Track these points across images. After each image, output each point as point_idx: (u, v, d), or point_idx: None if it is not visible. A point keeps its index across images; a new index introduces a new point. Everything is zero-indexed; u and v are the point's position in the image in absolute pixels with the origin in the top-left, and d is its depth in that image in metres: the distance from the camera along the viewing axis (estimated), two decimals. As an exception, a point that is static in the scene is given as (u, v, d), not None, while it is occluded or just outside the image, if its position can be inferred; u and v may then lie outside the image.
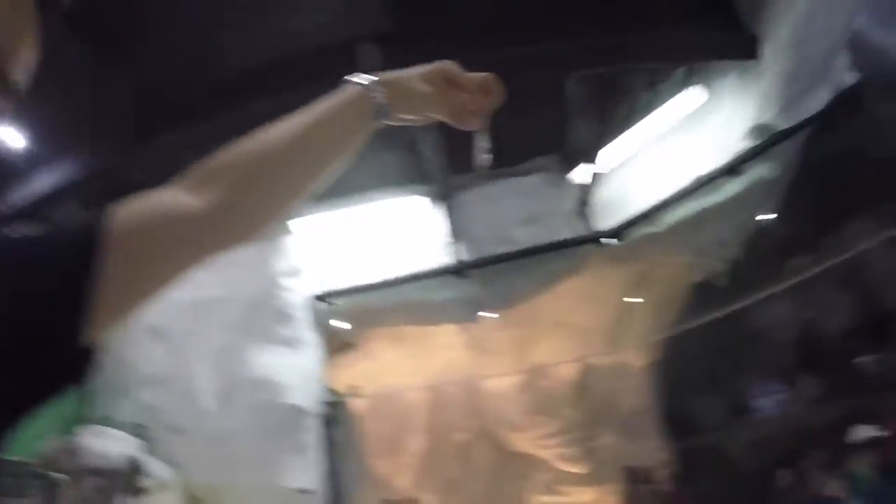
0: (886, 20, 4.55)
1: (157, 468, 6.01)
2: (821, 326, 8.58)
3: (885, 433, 6.37)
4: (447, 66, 1.07)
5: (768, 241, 7.40)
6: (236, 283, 7.80)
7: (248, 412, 7.05)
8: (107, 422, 6.04)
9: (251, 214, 0.94)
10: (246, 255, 8.03)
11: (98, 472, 5.12)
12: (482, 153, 1.15)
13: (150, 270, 0.86)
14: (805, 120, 6.05)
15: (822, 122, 5.83)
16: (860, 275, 7.73)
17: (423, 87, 1.05)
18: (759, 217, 7.08)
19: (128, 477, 5.38)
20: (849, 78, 5.29)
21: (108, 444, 5.47)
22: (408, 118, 1.06)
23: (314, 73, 5.61)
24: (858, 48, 4.94)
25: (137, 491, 5.54)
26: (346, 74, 1.03)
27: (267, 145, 0.93)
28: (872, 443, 6.33)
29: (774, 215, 6.89)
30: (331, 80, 1.04)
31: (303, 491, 6.78)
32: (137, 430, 6.29)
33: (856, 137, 6.01)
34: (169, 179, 0.91)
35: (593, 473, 9.65)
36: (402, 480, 9.87)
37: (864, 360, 8.01)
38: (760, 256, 7.50)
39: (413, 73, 1.06)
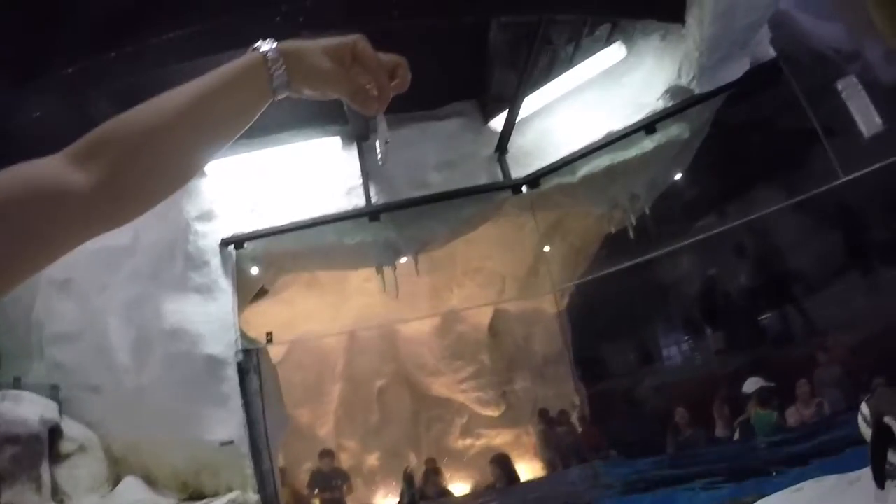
0: (808, 4, 4.77)
1: (75, 430, 5.78)
2: (723, 283, 9.24)
3: (772, 384, 7.02)
4: (357, 42, 1.00)
5: (678, 199, 7.80)
6: (145, 230, 7.45)
7: (163, 365, 6.87)
8: (19, 385, 5.71)
9: (137, 191, 0.88)
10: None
11: (15, 440, 4.85)
12: (383, 145, 1.10)
13: (24, 246, 0.78)
14: (721, 87, 6.34)
15: (737, 91, 6.10)
16: (761, 237, 8.33)
17: (326, 64, 0.98)
18: (670, 175, 7.41)
19: (47, 442, 5.14)
20: (767, 52, 5.54)
21: (22, 408, 5.16)
22: (308, 93, 1.00)
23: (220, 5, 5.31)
24: (780, 26, 5.16)
25: (58, 456, 5.33)
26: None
27: (156, 117, 0.87)
28: (766, 392, 6.97)
29: (685, 174, 7.22)
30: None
31: (224, 443, 6.73)
32: (52, 392, 6.00)
33: (767, 109, 6.35)
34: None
35: (509, 416, 10.13)
36: (322, 428, 9.99)
37: (764, 317, 8.74)
38: (669, 212, 7.92)
39: (319, 47, 0.99)
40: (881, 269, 7.66)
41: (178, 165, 0.91)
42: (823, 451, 5.75)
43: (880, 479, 3.64)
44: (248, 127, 0.97)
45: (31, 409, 5.22)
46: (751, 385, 7.05)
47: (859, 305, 7.58)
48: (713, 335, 9.65)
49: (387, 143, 1.09)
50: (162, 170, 0.89)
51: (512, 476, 8.62)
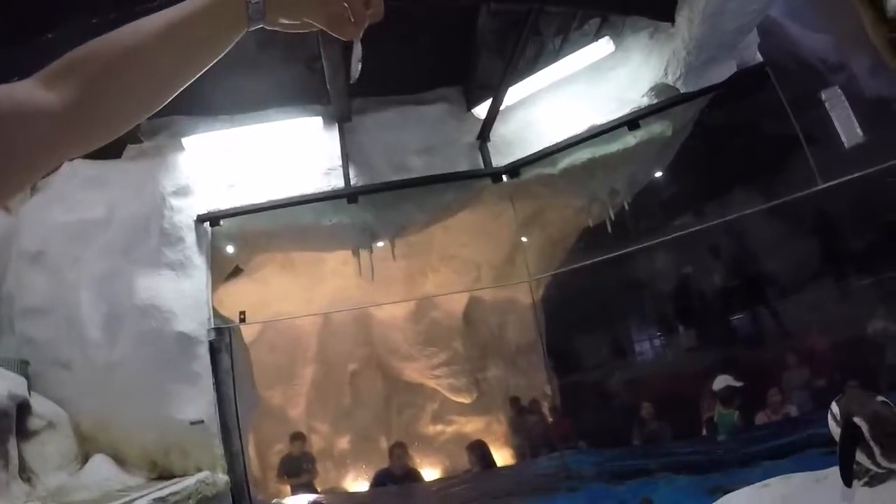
0: (798, 13, 4.83)
1: (44, 406, 5.66)
2: (698, 282, 9.40)
3: (741, 383, 7.19)
4: None
5: (657, 196, 7.88)
6: (120, 203, 7.33)
7: (134, 342, 6.76)
8: (-14, 360, 5.57)
9: (109, 112, 0.88)
10: (130, 172, 7.50)
11: (-18, 416, 4.73)
12: (356, 64, 1.14)
13: None
14: (706, 87, 6.40)
15: (722, 93, 6.18)
16: (738, 239, 8.49)
17: None
18: (651, 172, 7.47)
19: (15, 418, 5.02)
20: (754, 57, 5.61)
21: (-11, 384, 5.03)
22: (285, 23, 1.02)
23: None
24: (768, 32, 5.22)
25: (26, 432, 5.21)
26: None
27: (132, 38, 0.88)
28: (729, 391, 7.14)
29: (666, 173, 7.29)
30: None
31: (194, 422, 6.66)
32: (21, 367, 5.86)
33: (751, 113, 6.44)
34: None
35: (480, 403, 10.20)
36: (294, 410, 9.95)
37: (737, 317, 8.94)
38: (648, 209, 8.01)
39: None
40: (854, 277, 7.87)
41: (151, 88, 0.91)
42: (782, 451, 5.92)
43: (848, 478, 3.71)
44: (219, 58, 0.97)
45: (-1, 384, 5.09)
46: (719, 383, 7.23)
47: (831, 311, 7.78)
48: (686, 333, 9.84)
49: (359, 62, 1.13)
50: (135, 91, 0.89)
51: (489, 463, 8.70)
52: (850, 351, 6.91)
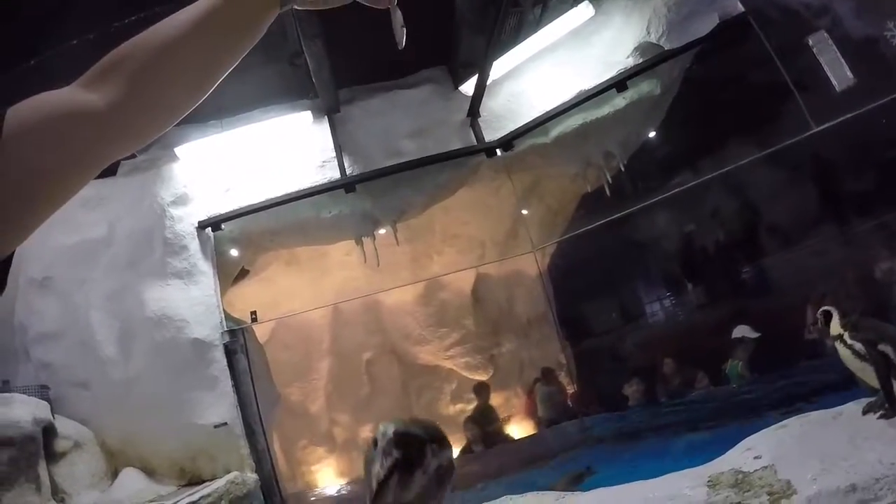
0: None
1: (68, 427, 5.77)
2: (701, 238, 9.36)
3: (758, 334, 7.22)
4: None
5: (652, 156, 7.84)
6: (120, 219, 7.39)
7: (150, 354, 6.87)
8: (8, 388, 5.65)
9: (153, 108, 0.89)
10: (128, 187, 7.55)
11: (9, 443, 4.82)
12: (399, 30, 1.14)
13: (48, 174, 0.78)
14: (690, 42, 6.34)
15: (707, 47, 6.12)
16: (737, 192, 8.44)
17: None
18: (643, 132, 7.44)
19: (41, 442, 5.13)
20: (736, 8, 5.55)
21: (13, 411, 5.10)
22: (317, 1, 1.02)
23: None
24: (747, -19, 5.15)
25: (54, 455, 5.32)
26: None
27: (167, 35, 0.88)
28: (739, 342, 7.20)
29: (659, 131, 7.25)
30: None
31: (217, 425, 6.77)
32: (41, 392, 5.97)
33: (738, 64, 6.38)
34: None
35: (497, 378, 10.26)
36: (314, 404, 10.04)
37: (744, 270, 8.94)
38: (645, 170, 7.97)
39: None
40: (856, 219, 7.80)
41: (193, 78, 0.92)
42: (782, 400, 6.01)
43: (893, 404, 3.79)
44: (255, 42, 0.97)
45: (22, 411, 5.18)
46: (737, 332, 7.28)
47: (837, 255, 7.75)
48: (694, 290, 9.83)
49: (403, 28, 1.14)
50: (177, 83, 0.90)
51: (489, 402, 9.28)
52: (858, 294, 6.88)
